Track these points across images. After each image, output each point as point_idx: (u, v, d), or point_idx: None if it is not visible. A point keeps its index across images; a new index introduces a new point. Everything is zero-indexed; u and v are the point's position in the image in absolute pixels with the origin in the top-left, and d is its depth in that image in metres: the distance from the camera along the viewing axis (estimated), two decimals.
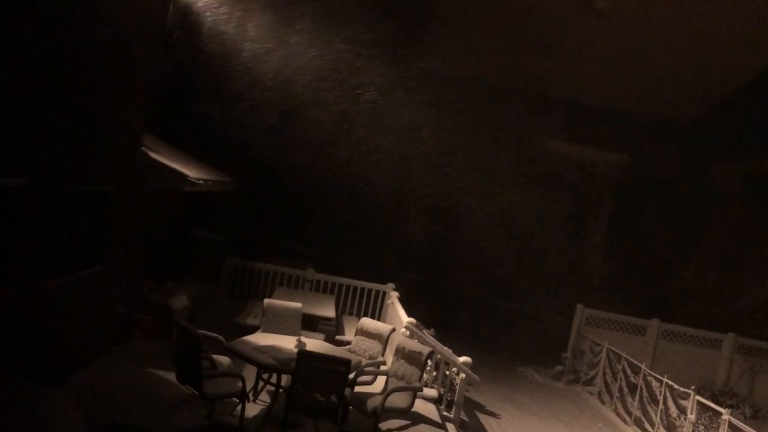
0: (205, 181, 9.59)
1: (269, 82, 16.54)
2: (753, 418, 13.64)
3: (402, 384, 7.40)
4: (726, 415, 9.57)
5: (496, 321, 19.00)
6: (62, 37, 5.88)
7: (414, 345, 7.85)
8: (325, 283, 13.05)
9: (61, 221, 6.46)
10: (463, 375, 9.09)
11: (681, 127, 19.98)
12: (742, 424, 9.30)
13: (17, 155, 5.42)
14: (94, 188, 7.20)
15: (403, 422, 7.88)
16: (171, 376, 6.92)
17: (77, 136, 6.56)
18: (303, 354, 6.47)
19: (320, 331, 10.02)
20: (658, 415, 11.43)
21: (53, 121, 5.97)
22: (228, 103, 16.75)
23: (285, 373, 6.83)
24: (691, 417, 10.39)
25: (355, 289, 13.05)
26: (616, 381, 13.34)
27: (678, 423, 10.82)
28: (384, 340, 8.11)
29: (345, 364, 6.48)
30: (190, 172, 9.00)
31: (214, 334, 7.13)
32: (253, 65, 16.03)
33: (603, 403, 13.86)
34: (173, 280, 10.67)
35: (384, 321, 11.77)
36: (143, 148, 8.39)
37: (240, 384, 6.59)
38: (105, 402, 6.63)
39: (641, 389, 12.21)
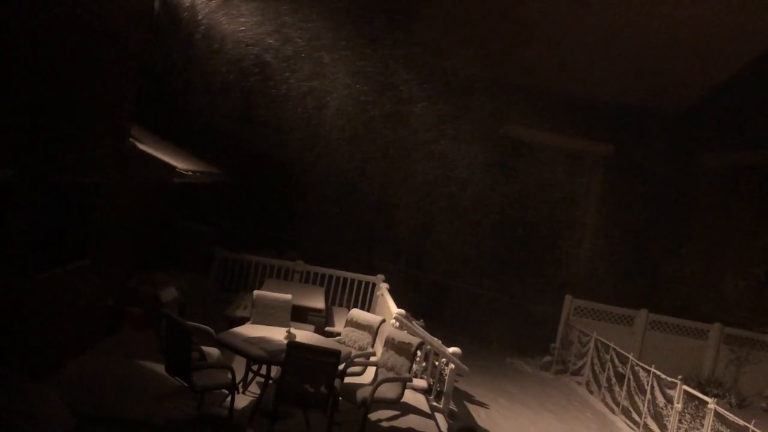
0: (194, 172, 9.55)
1: (258, 73, 16.45)
2: (738, 407, 13.79)
3: (392, 375, 7.42)
4: (712, 404, 9.67)
5: (485, 312, 19.06)
6: (49, 28, 5.83)
7: (403, 336, 7.88)
8: (315, 274, 13.05)
9: (48, 213, 6.42)
10: (452, 365, 9.13)
11: (669, 118, 20.06)
12: (727, 412, 9.41)
13: (4, 147, 5.38)
14: (82, 180, 7.16)
15: (393, 413, 7.92)
16: (160, 368, 6.91)
17: (65, 127, 6.52)
18: (293, 345, 6.48)
19: (310, 323, 10.03)
20: (646, 405, 11.54)
21: (40, 113, 5.93)
22: (218, 95, 16.65)
23: (275, 365, 6.85)
24: (678, 406, 10.50)
25: (345, 280, 13.06)
26: (604, 371, 13.44)
27: (665, 412, 10.93)
28: (374, 331, 8.13)
29: (335, 355, 6.50)
30: (179, 163, 8.97)
31: (203, 326, 7.13)
32: (242, 57, 15.94)
33: (591, 393, 13.96)
34: (163, 272, 10.64)
35: (374, 312, 11.80)
36: (131, 140, 8.35)
37: (229, 375, 6.60)
38: (94, 394, 6.62)
39: (629, 379, 12.31)
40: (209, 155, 13.82)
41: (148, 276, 9.89)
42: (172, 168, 8.38)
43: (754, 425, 8.72)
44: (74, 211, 7.06)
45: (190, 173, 9.09)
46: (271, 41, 15.56)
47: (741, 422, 8.95)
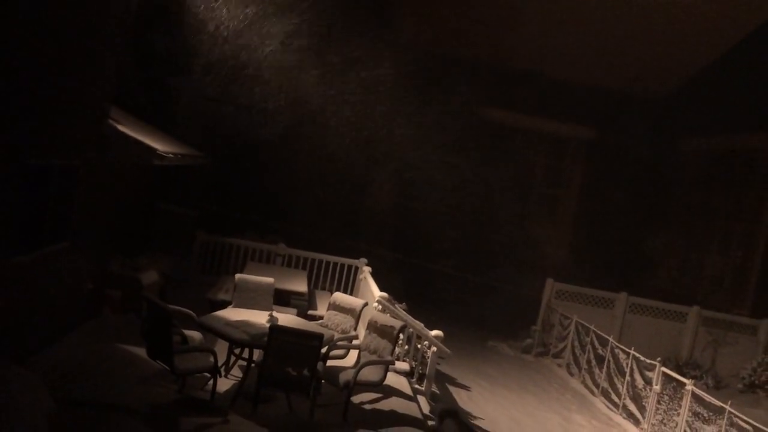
0: (175, 154, 9.46)
1: (241, 56, 16.27)
2: (715, 389, 14.02)
3: (374, 358, 7.44)
4: (690, 385, 9.83)
5: (467, 295, 19.15)
6: (26, 8, 5.71)
7: (386, 319, 7.89)
8: (298, 257, 13.01)
9: (26, 196, 6.33)
10: (434, 348, 9.17)
11: (651, 103, 20.18)
12: (704, 394, 9.57)
13: None
14: (61, 162, 7.05)
15: (376, 395, 7.95)
16: (142, 352, 6.87)
17: (42, 109, 6.41)
18: (275, 329, 6.47)
19: (293, 306, 10.00)
20: (625, 387, 11.69)
21: (17, 95, 5.81)
22: (199, 78, 16.46)
23: (257, 348, 6.83)
24: (657, 388, 10.65)
25: (328, 263, 13.03)
26: (584, 353, 13.59)
27: (644, 394, 11.08)
28: (356, 315, 8.13)
29: (317, 339, 6.50)
30: (159, 145, 8.88)
31: (185, 310, 7.08)
32: (225, 40, 15.77)
33: (571, 375, 14.12)
34: (143, 255, 10.56)
35: (356, 295, 11.80)
36: (111, 122, 8.23)
37: (212, 359, 6.58)
38: (75, 378, 6.57)
39: (609, 361, 12.46)
40: (192, 138, 13.69)
41: (129, 259, 9.81)
42: (153, 150, 8.29)
43: (731, 406, 8.87)
44: (53, 193, 6.96)
45: (170, 155, 9.00)
46: (255, 23, 15.39)
47: (718, 403, 9.11)
